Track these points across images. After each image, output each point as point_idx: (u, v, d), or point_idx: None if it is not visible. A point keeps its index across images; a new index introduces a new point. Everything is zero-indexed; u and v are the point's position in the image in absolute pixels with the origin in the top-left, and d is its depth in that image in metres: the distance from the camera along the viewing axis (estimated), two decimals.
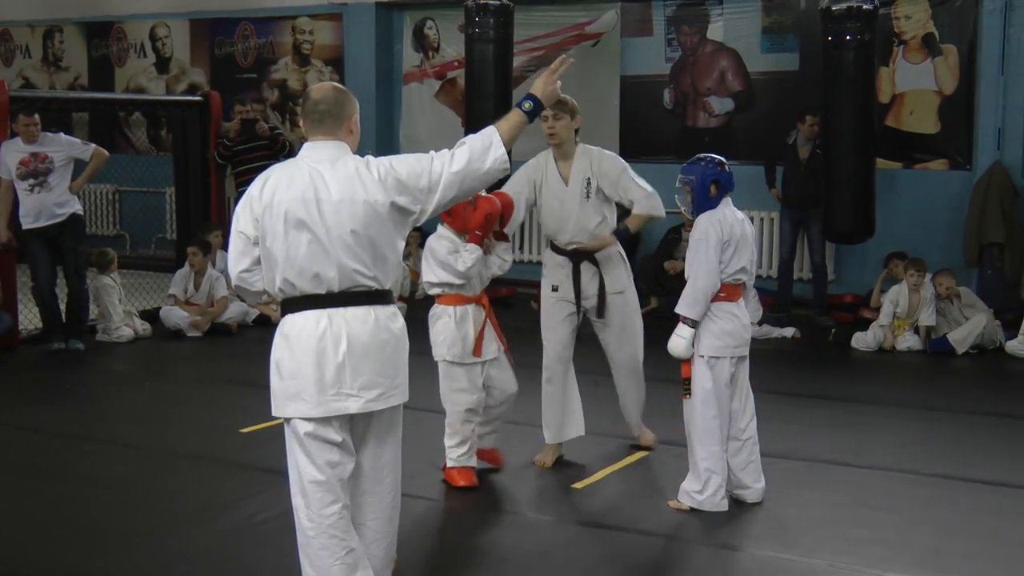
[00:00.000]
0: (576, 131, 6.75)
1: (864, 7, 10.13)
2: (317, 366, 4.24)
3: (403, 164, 4.36)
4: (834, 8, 10.21)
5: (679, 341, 5.88)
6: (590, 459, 6.84)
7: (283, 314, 4.36)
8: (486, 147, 4.48)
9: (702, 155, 6.10)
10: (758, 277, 11.50)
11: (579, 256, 6.78)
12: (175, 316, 10.63)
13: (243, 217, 4.36)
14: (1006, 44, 11.14)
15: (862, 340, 10.30)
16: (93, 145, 10.13)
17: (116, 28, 16.17)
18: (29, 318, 10.18)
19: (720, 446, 5.94)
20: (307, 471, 4.30)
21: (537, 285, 10.96)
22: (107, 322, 10.33)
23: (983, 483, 6.47)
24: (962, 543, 5.55)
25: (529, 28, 12.98)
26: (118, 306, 10.42)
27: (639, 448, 7.07)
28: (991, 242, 10.87)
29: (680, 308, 5.91)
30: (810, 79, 11.63)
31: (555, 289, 6.87)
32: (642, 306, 11.71)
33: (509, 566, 5.28)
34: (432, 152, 4.43)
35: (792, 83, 12.07)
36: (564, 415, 6.87)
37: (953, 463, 6.84)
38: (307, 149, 4.39)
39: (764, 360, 9.57)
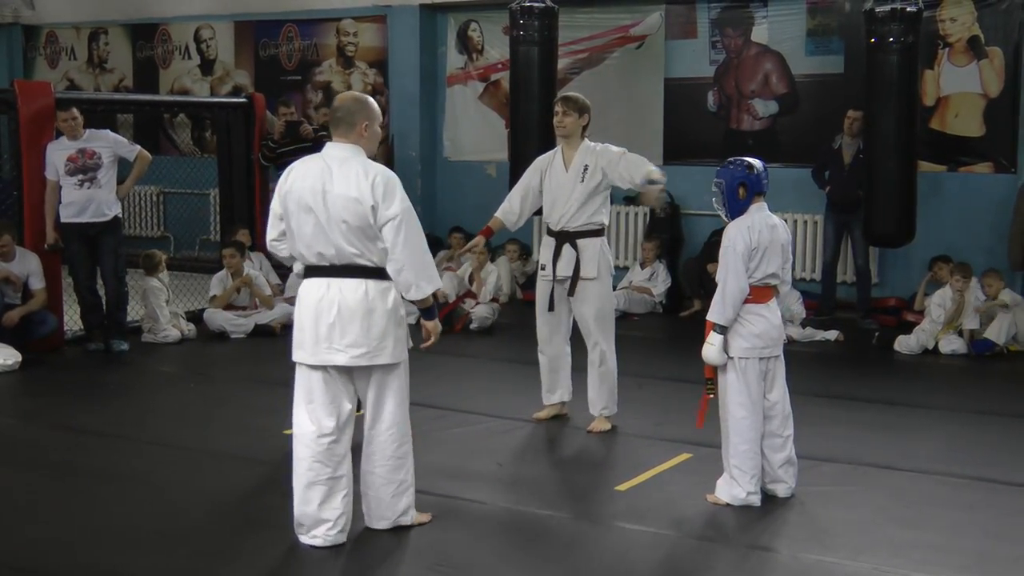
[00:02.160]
0: (584, 127, 7.54)
1: (908, 9, 10.09)
2: (315, 323, 5.25)
3: (390, 199, 5.18)
4: (878, 11, 10.18)
5: (710, 348, 5.99)
6: (634, 460, 6.84)
7: (303, 279, 5.40)
8: (406, 288, 5.29)
9: (732, 158, 6.15)
10: (801, 280, 11.55)
11: (563, 238, 7.44)
12: (219, 319, 10.70)
13: (275, 197, 5.40)
14: None
15: (905, 343, 10.23)
16: (138, 147, 10.17)
17: (161, 30, 16.30)
18: (75, 319, 10.26)
19: (750, 445, 6.00)
20: (304, 408, 5.35)
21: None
22: (154, 323, 10.41)
23: None
24: (1008, 547, 5.52)
25: (573, 30, 12.98)
26: (165, 308, 10.50)
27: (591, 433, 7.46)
28: None
29: (710, 315, 6.00)
30: (855, 82, 11.59)
31: (543, 268, 7.57)
32: (686, 308, 12.00)
33: (552, 567, 5.28)
34: (401, 221, 5.18)
35: (837, 86, 12.01)
36: (552, 383, 7.70)
37: (998, 466, 6.78)
38: (327, 148, 5.36)
39: (807, 363, 9.59)
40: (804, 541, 5.58)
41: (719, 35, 12.68)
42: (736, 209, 6.01)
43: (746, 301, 5.96)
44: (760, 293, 5.99)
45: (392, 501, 5.52)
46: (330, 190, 5.17)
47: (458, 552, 5.42)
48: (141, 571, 5.23)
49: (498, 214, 7.75)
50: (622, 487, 6.36)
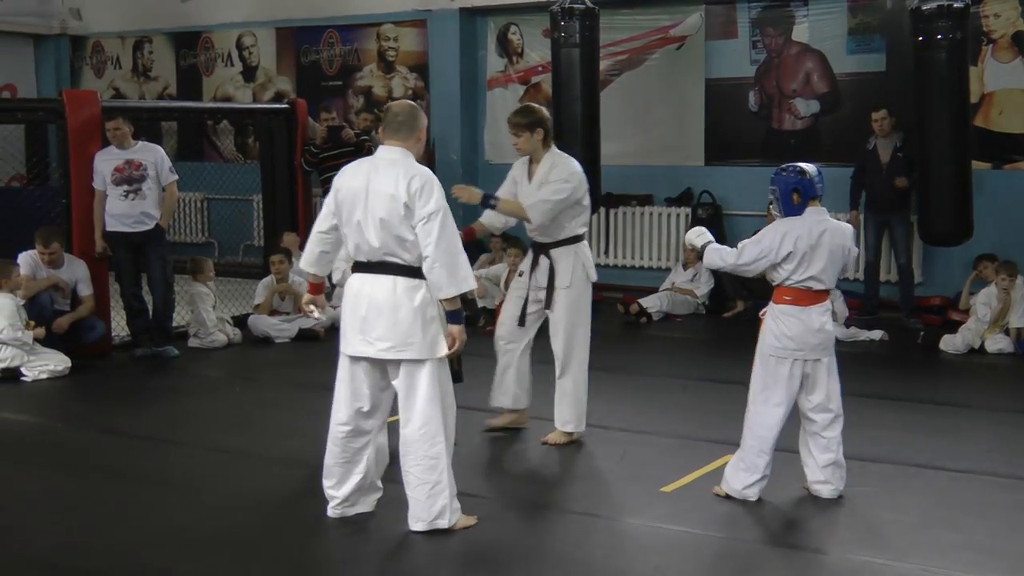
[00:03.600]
0: (544, 138, 7.24)
1: (955, 5, 10.01)
2: (352, 315, 5.58)
3: (427, 197, 5.41)
4: (924, 8, 10.10)
5: (696, 235, 6.35)
6: (679, 462, 6.83)
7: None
8: (438, 288, 5.47)
9: (786, 165, 6.19)
10: (844, 280, 11.47)
11: (537, 249, 7.36)
12: (263, 324, 10.78)
13: (329, 200, 5.72)
14: None
15: (951, 343, 10.17)
16: (175, 177, 10.18)
17: (204, 38, 16.44)
18: (123, 325, 10.36)
19: (758, 442, 6.06)
20: (337, 392, 5.72)
21: (623, 289, 10.95)
22: (200, 328, 10.50)
23: None
24: None
25: (613, 32, 12.98)
26: (212, 313, 10.61)
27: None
28: None
29: (711, 248, 6.23)
30: (897, 80, 11.54)
31: (520, 274, 7.49)
32: (727, 310, 11.96)
33: (597, 569, 5.29)
34: (436, 219, 5.40)
35: (879, 84, 11.95)
36: (502, 384, 7.48)
37: None
38: (381, 150, 5.68)
39: (852, 363, 9.49)
40: (852, 542, 5.56)
41: (759, 35, 12.65)
42: (791, 214, 6.06)
43: (783, 302, 6.03)
44: (800, 296, 6.00)
45: (427, 502, 5.59)
46: (372, 188, 5.49)
47: (500, 553, 5.44)
48: (190, 573, 5.27)
49: (483, 219, 7.59)
50: (667, 488, 6.36)
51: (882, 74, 11.99)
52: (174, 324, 10.50)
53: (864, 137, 11.48)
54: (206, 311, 10.53)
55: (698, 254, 6.42)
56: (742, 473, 6.10)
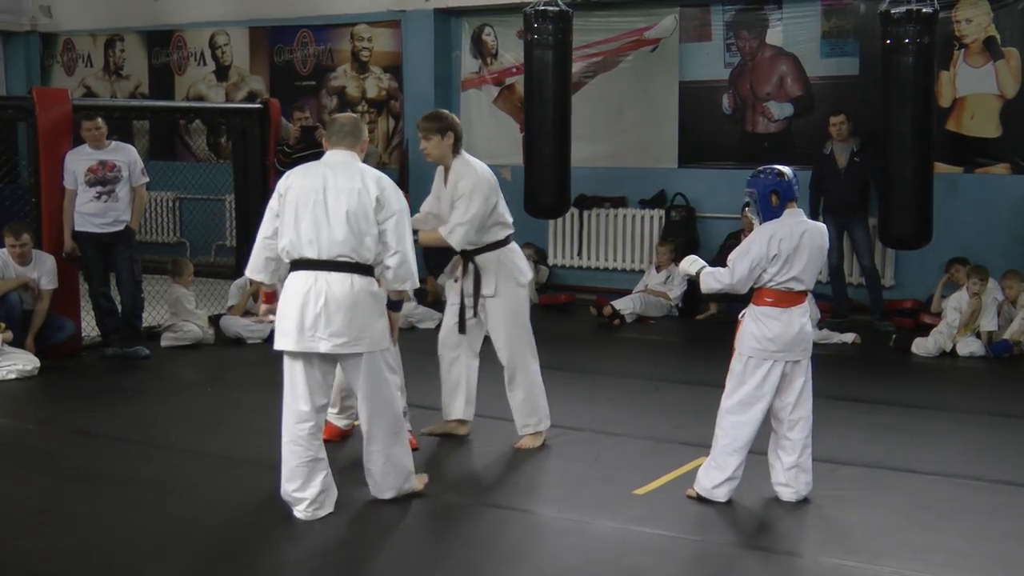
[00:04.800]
0: (453, 144, 7.05)
1: (923, 10, 10.05)
2: (300, 313, 5.63)
3: (396, 195, 5.79)
4: (893, 12, 10.14)
5: (690, 263, 6.32)
6: (652, 464, 6.83)
7: (290, 271, 5.78)
8: (402, 278, 5.84)
9: (763, 167, 6.19)
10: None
11: (464, 255, 7.20)
12: (235, 325, 10.73)
13: (273, 197, 5.88)
14: None
15: (923, 346, 10.21)
16: (145, 179, 10.13)
17: (176, 36, 16.36)
18: (92, 325, 10.28)
19: (731, 441, 6.06)
20: (289, 394, 5.76)
21: (595, 291, 10.87)
22: (177, 323, 10.50)
23: None
24: None
25: (587, 34, 12.99)
26: (192, 312, 10.63)
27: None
28: None
29: (704, 271, 6.18)
30: (870, 84, 11.58)
31: (456, 280, 7.31)
32: (701, 311, 11.97)
33: (570, 571, 5.28)
34: (402, 217, 5.79)
35: (852, 88, 12.00)
36: (455, 399, 7.36)
37: (1018, 469, 6.76)
38: (328, 155, 5.92)
39: (824, 366, 9.52)
40: (824, 545, 5.57)
41: (734, 38, 12.67)
42: (770, 217, 6.06)
43: (764, 303, 6.02)
44: (781, 297, 6.00)
45: (397, 473, 6.00)
46: (332, 185, 5.71)
47: (472, 557, 5.42)
48: (160, 575, 5.24)
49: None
50: (641, 491, 6.35)
51: (855, 78, 12.03)
52: (145, 324, 10.42)
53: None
54: (187, 312, 10.57)
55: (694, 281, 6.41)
56: (712, 472, 6.11)
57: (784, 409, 6.10)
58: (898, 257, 11.83)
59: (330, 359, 5.81)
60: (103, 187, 9.76)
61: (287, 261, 5.80)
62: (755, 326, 6.02)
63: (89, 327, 10.31)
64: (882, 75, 10.49)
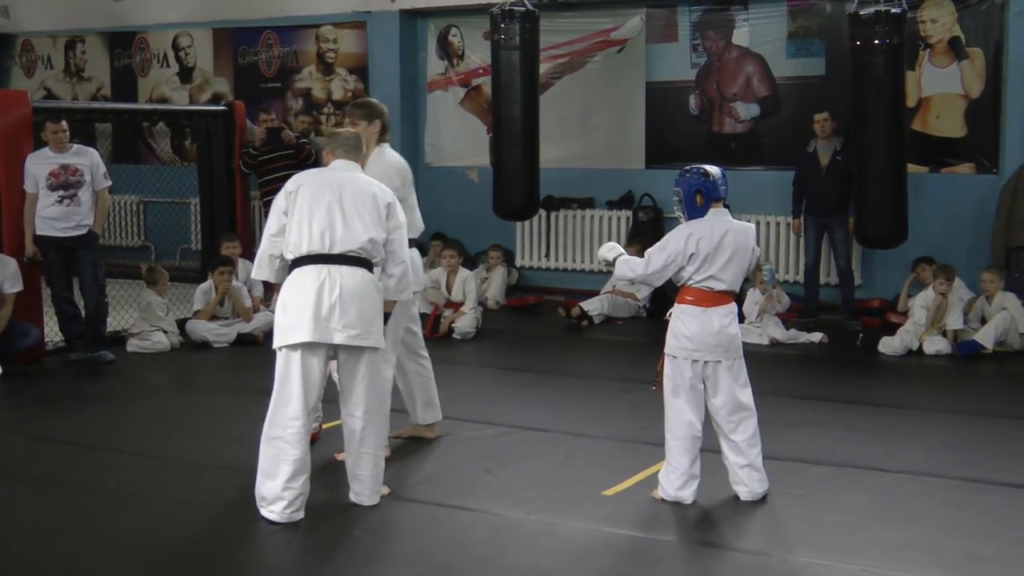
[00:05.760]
0: (381, 133, 6.96)
1: (892, 11, 10.09)
2: (316, 304, 5.68)
3: (399, 210, 6.04)
4: (862, 13, 10.18)
5: (607, 250, 6.41)
6: (621, 465, 6.81)
7: (291, 271, 5.84)
8: (403, 288, 6.09)
9: (690, 167, 6.27)
10: (784, 282, 11.55)
11: None
12: (202, 329, 10.64)
13: (281, 198, 5.93)
14: None
15: (889, 345, 10.23)
16: (108, 183, 10.03)
17: (139, 38, 16.22)
18: (56, 330, 10.18)
19: (679, 442, 6.08)
20: (281, 390, 5.76)
21: (563, 292, 10.81)
22: (145, 330, 10.41)
23: (1015, 486, 6.42)
24: (996, 547, 5.51)
25: (554, 35, 12.96)
26: (162, 319, 10.57)
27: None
28: (1018, 246, 10.81)
29: (621, 260, 6.27)
30: (836, 84, 11.62)
31: None
32: (669, 313, 11.88)
33: (540, 574, 5.25)
34: (405, 233, 6.09)
35: (818, 88, 12.02)
36: (432, 402, 7.39)
37: (984, 467, 6.78)
38: (341, 163, 6.04)
39: (792, 365, 9.61)
40: (793, 544, 5.57)
41: (700, 38, 12.68)
42: (694, 216, 6.14)
43: (685, 302, 6.09)
44: (701, 296, 6.06)
45: (376, 477, 6.05)
46: (348, 186, 5.88)
47: (444, 559, 5.39)
48: None
49: None
50: (609, 492, 6.34)
51: (822, 78, 12.05)
52: (110, 329, 10.33)
53: (805, 141, 11.53)
54: (158, 319, 10.50)
55: (609, 267, 6.45)
56: (672, 476, 6.12)
57: (719, 412, 6.13)
58: (864, 256, 11.86)
59: (328, 357, 5.84)
60: (65, 191, 9.65)
61: (292, 257, 5.84)
62: (675, 324, 6.11)
63: (52, 332, 10.21)
64: (852, 76, 10.52)
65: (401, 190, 6.70)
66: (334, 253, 5.76)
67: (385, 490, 6.17)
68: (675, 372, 6.10)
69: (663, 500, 6.13)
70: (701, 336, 6.02)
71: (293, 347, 5.73)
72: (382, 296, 5.96)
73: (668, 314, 6.21)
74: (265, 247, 6.00)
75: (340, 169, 6.01)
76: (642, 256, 6.21)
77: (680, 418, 6.08)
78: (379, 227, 5.86)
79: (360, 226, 5.80)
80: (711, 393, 6.11)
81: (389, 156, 6.95)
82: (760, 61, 12.40)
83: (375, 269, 5.95)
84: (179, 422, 8.08)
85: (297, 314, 5.70)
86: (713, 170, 6.14)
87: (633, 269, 6.19)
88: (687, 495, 6.10)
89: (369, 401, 5.92)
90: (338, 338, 5.71)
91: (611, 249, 6.39)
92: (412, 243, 7.02)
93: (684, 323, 6.05)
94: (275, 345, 5.83)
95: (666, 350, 6.13)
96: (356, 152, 6.14)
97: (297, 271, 5.80)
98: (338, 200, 5.80)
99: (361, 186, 5.91)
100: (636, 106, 13.00)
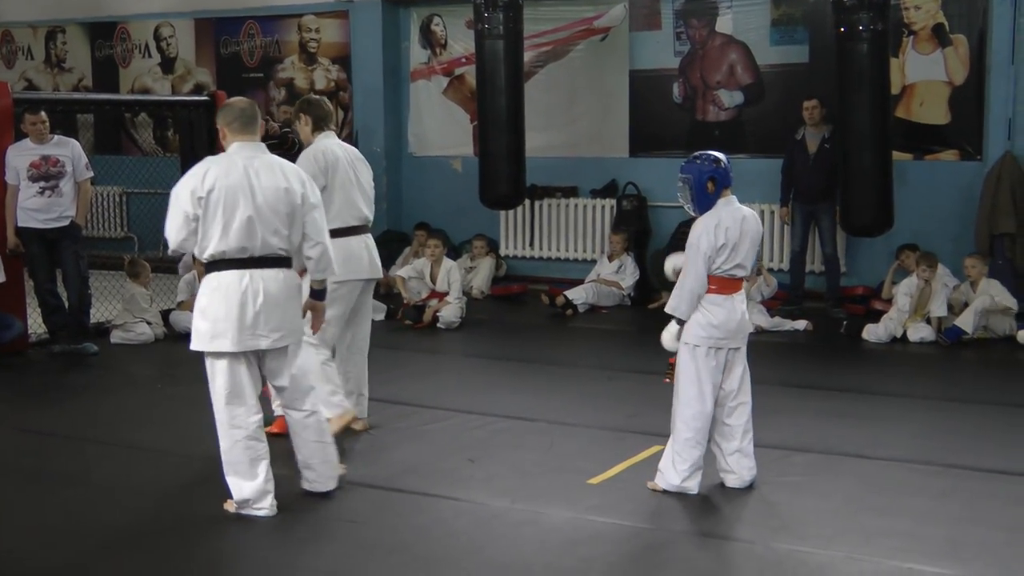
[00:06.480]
0: (313, 127, 7.14)
1: None
2: (240, 312, 5.59)
3: (313, 189, 5.91)
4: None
5: (666, 334, 6.11)
6: (606, 454, 6.81)
7: (208, 272, 5.70)
8: (323, 268, 5.96)
9: (699, 153, 6.18)
10: (770, 270, 11.56)
11: None
12: (185, 320, 10.59)
13: (187, 198, 5.66)
14: (1016, 34, 11.08)
15: (873, 332, 10.24)
16: (89, 174, 9.97)
17: (120, 28, 16.15)
18: (39, 322, 10.13)
19: (694, 434, 6.03)
20: (229, 391, 5.70)
21: (548, 281, 10.77)
22: (129, 322, 10.37)
23: (998, 472, 6.44)
24: (979, 533, 5.53)
25: (537, 23, 12.95)
26: (146, 310, 10.53)
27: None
28: (1002, 232, 10.85)
29: (669, 307, 6.07)
30: (820, 71, 11.63)
31: None
32: (653, 301, 11.96)
33: (525, 562, 5.25)
34: (321, 209, 5.92)
35: (802, 76, 12.02)
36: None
37: (968, 453, 6.80)
38: (236, 147, 5.76)
39: (776, 352, 9.61)
40: (777, 531, 5.57)
41: (683, 26, 12.67)
42: (705, 204, 6.02)
43: (712, 291, 5.99)
44: (725, 284, 6.00)
45: (330, 461, 6.06)
46: (258, 184, 5.66)
47: (427, 549, 5.38)
48: (106, 572, 5.20)
49: None
50: (595, 480, 6.33)
51: (805, 65, 12.06)
52: (94, 320, 10.29)
53: (792, 128, 11.54)
54: (142, 311, 10.45)
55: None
56: (680, 466, 6.05)
57: (727, 396, 6.10)
58: (849, 244, 11.87)
59: (259, 354, 5.81)
60: (46, 182, 9.60)
61: (208, 260, 5.71)
62: (700, 314, 5.99)
63: (36, 324, 10.16)
64: (837, 63, 10.52)
65: (320, 177, 6.79)
66: (260, 256, 5.67)
67: (341, 468, 6.20)
68: (697, 363, 6.01)
69: (664, 491, 6.08)
70: (726, 324, 5.98)
71: (219, 355, 5.69)
72: (300, 289, 5.92)
73: (654, 303, 6.18)
74: (179, 250, 5.91)
75: (243, 157, 5.71)
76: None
77: (697, 409, 6.01)
78: (296, 221, 5.74)
79: (277, 223, 5.67)
80: (724, 378, 6.07)
81: (316, 145, 7.06)
82: (744, 49, 12.39)
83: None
84: (163, 413, 8.05)
85: (220, 322, 5.63)
86: (723, 157, 6.08)
87: (683, 300, 5.97)
88: (692, 485, 6.05)
89: (302, 389, 5.93)
90: (264, 344, 5.69)
91: (667, 338, 6.11)
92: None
93: (712, 313, 5.97)
94: (196, 348, 5.75)
95: (686, 340, 6.02)
96: (253, 124, 5.84)
97: (216, 275, 5.69)
98: (250, 201, 5.60)
99: (271, 182, 5.68)
100: (620, 94, 12.99)
